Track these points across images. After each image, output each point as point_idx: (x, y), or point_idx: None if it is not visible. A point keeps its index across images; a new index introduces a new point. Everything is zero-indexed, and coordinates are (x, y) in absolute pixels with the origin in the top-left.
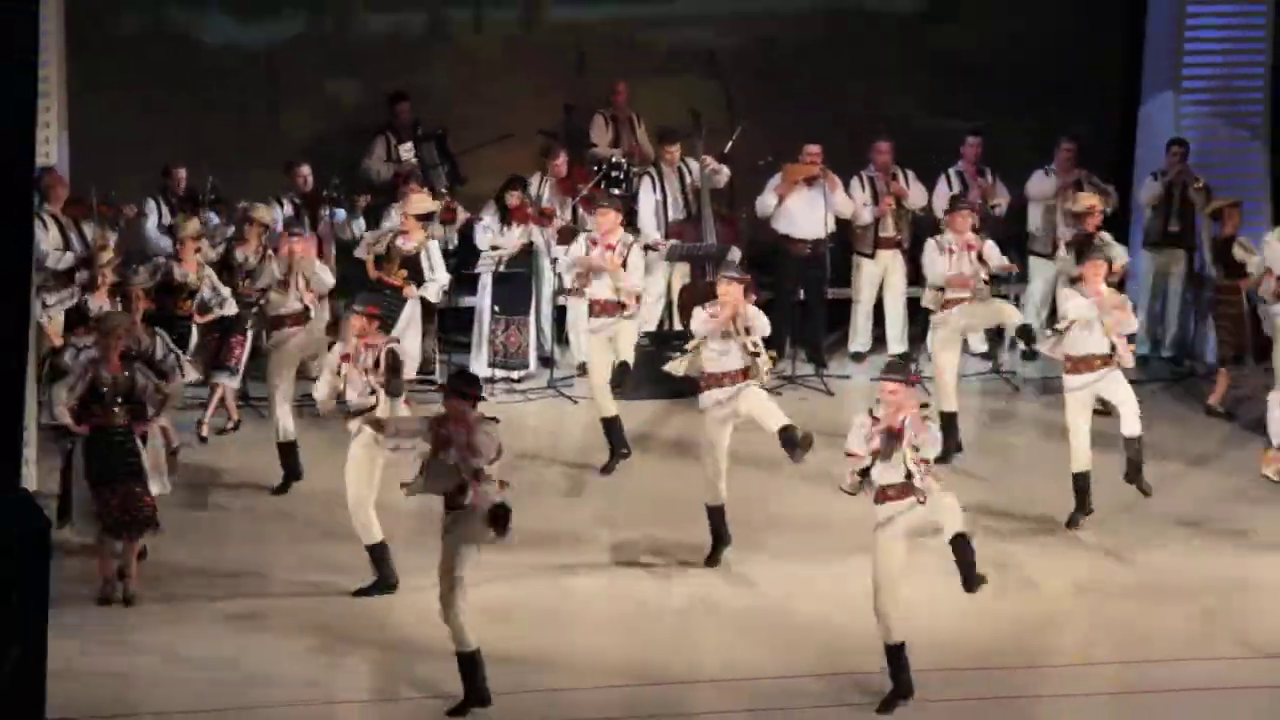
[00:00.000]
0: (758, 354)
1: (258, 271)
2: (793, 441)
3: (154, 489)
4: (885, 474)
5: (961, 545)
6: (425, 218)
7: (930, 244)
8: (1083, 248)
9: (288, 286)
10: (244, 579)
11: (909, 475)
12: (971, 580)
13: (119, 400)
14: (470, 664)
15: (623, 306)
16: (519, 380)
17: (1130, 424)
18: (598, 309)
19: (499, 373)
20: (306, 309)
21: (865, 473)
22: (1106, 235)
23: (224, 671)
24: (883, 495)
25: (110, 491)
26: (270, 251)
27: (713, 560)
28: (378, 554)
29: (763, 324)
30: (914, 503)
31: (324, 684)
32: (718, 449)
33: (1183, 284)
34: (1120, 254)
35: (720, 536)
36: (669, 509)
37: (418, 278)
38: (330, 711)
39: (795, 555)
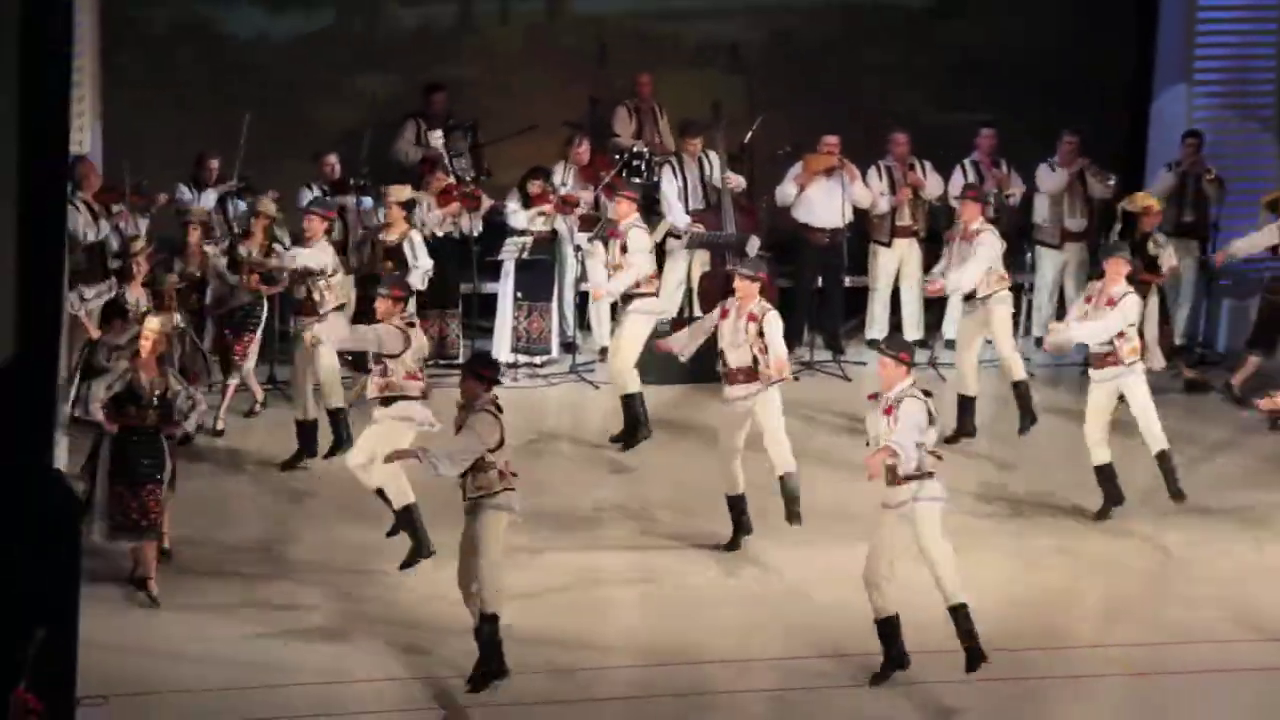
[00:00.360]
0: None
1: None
2: (788, 493)
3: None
4: None
5: (959, 616)
6: (408, 205)
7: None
8: (1136, 249)
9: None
10: (267, 559)
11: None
12: (973, 659)
13: (154, 403)
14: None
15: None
16: (541, 365)
17: (1153, 440)
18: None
19: (521, 358)
20: (311, 298)
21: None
22: (1161, 236)
23: (246, 650)
24: (895, 479)
25: (130, 493)
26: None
27: (733, 546)
28: (384, 496)
29: (779, 346)
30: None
31: (346, 663)
32: (733, 440)
33: (1195, 273)
34: (1170, 256)
35: (741, 525)
36: (689, 492)
37: (403, 269)
38: (352, 690)
39: (812, 540)
